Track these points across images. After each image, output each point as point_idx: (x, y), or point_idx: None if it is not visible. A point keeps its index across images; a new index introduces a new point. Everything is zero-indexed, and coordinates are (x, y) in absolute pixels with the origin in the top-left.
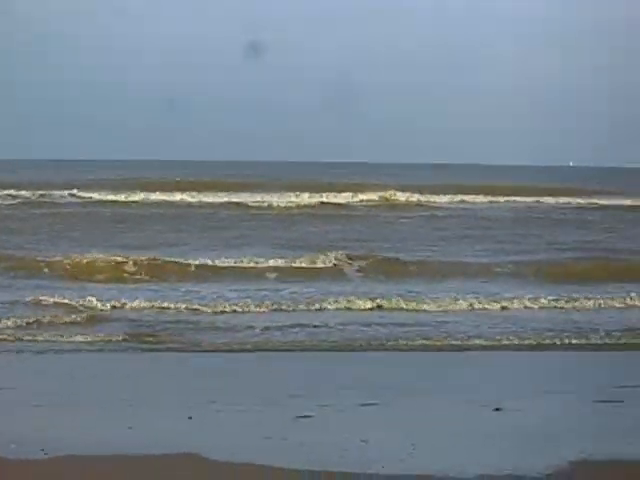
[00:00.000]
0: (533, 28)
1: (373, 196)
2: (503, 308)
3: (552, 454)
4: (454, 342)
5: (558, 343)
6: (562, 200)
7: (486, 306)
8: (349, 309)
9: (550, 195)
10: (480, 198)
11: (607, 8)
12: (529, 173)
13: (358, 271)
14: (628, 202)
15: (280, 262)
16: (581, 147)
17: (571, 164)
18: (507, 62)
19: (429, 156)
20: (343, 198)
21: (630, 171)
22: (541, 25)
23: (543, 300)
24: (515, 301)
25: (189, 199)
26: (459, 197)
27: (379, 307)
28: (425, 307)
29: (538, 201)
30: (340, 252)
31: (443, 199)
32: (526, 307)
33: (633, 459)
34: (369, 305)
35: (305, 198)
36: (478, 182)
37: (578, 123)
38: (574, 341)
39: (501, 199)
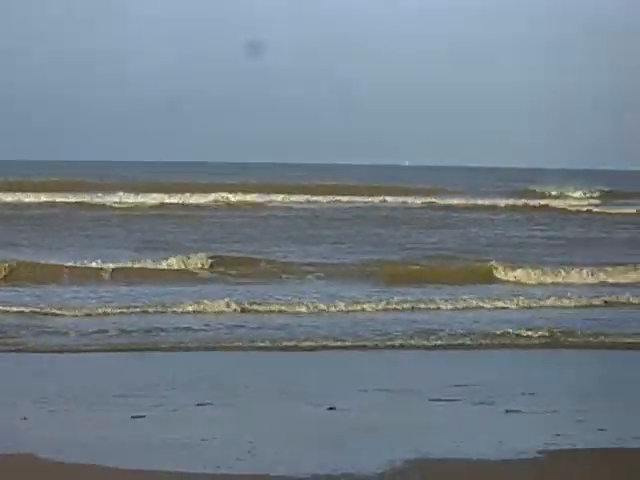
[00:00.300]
0: None
1: (215, 197)
2: (345, 309)
3: (387, 453)
4: (295, 343)
5: (399, 344)
6: (402, 199)
7: (328, 307)
8: (193, 310)
9: (389, 194)
10: (322, 198)
11: None
12: (366, 172)
13: (206, 271)
14: (471, 202)
15: (122, 263)
16: (416, 146)
17: (407, 163)
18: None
19: (270, 155)
20: (186, 198)
21: (468, 170)
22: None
23: (385, 301)
24: (358, 302)
25: (31, 200)
26: (303, 197)
27: (226, 308)
28: (270, 308)
29: (384, 200)
30: (188, 253)
31: (291, 199)
32: (369, 308)
33: (467, 458)
34: (211, 307)
35: (147, 199)
36: (319, 182)
37: (414, 122)
38: (415, 342)
39: (343, 199)
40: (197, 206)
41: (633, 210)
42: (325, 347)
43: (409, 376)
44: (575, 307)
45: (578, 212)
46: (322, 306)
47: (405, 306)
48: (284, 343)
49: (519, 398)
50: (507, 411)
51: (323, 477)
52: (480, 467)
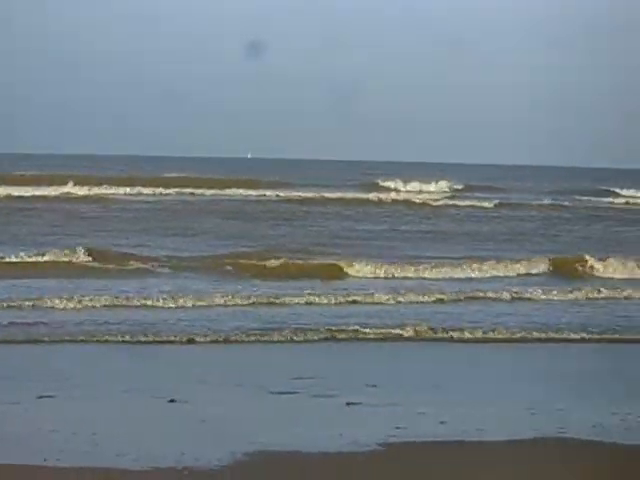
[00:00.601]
0: None
1: (62, 190)
2: (193, 304)
3: (227, 445)
4: (141, 337)
5: (243, 338)
6: (249, 192)
7: (176, 301)
8: (37, 305)
9: (236, 187)
10: (171, 190)
11: None
12: (210, 165)
13: (51, 264)
14: (319, 195)
15: None
16: (258, 139)
17: (249, 156)
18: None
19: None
20: (25, 191)
21: (317, 163)
22: None
23: (232, 295)
24: (206, 296)
25: None
26: (152, 190)
27: (75, 303)
28: (118, 302)
29: (232, 193)
30: (30, 247)
31: (141, 191)
32: (216, 301)
33: (307, 450)
34: (54, 302)
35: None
36: (167, 174)
37: (255, 115)
38: (259, 336)
39: (187, 191)
40: (42, 199)
41: (490, 204)
42: (170, 341)
43: (251, 370)
44: (424, 301)
45: (429, 206)
46: (170, 300)
47: (252, 300)
48: (128, 337)
49: (361, 391)
50: (348, 403)
51: (165, 470)
52: (320, 459)
